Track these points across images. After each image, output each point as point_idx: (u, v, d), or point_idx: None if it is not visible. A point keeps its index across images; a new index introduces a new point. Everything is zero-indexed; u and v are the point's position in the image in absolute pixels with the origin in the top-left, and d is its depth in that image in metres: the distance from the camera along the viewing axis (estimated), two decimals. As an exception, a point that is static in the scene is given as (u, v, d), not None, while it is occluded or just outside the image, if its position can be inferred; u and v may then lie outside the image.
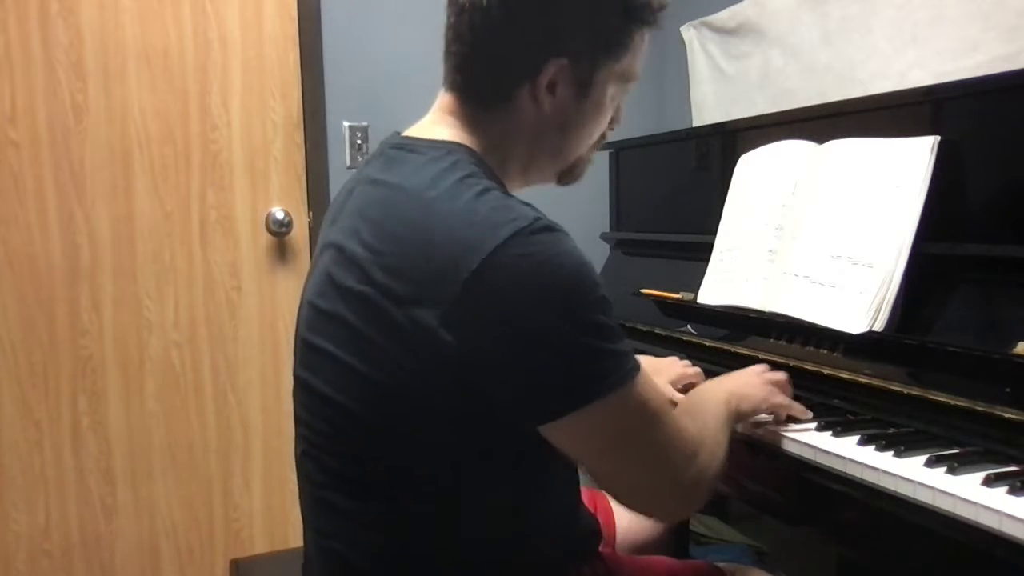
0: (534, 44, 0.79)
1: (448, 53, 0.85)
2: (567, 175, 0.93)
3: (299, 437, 0.88)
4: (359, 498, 0.80)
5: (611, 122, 0.91)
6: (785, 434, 0.99)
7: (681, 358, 1.26)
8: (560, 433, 0.74)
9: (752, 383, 1.00)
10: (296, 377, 0.88)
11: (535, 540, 0.86)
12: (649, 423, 0.76)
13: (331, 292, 0.80)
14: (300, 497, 0.92)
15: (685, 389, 1.15)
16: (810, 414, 1.01)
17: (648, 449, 0.76)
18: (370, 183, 0.84)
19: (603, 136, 0.92)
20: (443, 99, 0.87)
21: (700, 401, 0.93)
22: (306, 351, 0.84)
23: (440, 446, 0.77)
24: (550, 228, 0.72)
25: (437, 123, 0.86)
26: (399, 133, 0.88)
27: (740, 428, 1.00)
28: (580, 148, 0.90)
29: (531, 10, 0.78)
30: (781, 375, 1.04)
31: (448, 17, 0.83)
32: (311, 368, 0.83)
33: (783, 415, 1.01)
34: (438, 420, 0.75)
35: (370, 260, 0.75)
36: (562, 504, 0.90)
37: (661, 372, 1.18)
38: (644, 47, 0.86)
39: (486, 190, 0.74)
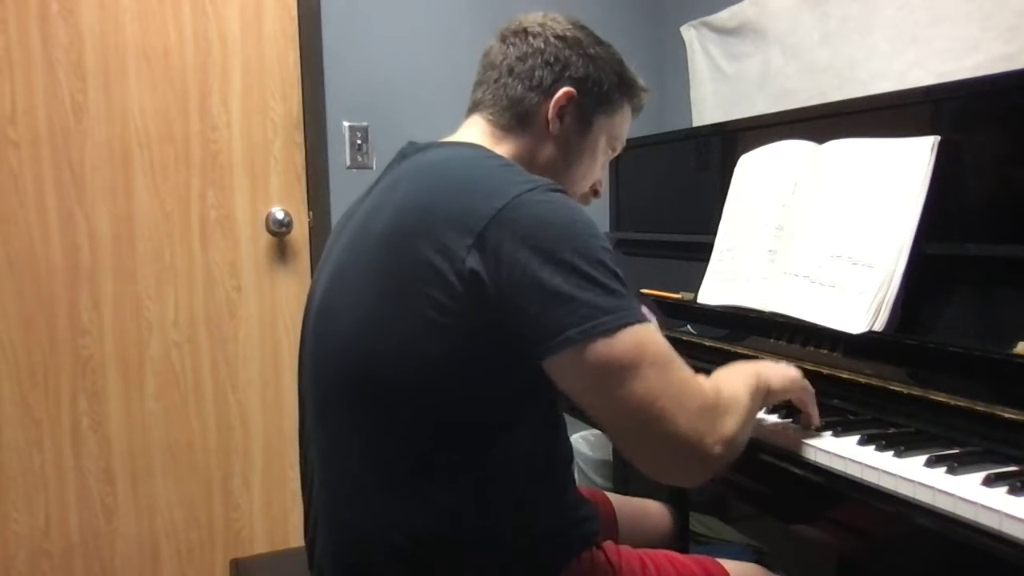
0: (552, 68, 0.95)
1: (479, 83, 1.00)
2: None
3: (308, 408, 0.94)
4: (372, 459, 0.84)
5: (596, 184, 1.05)
6: (785, 433, 0.99)
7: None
8: (567, 367, 0.76)
9: (781, 366, 0.98)
10: (306, 349, 0.94)
11: (536, 516, 0.88)
12: (654, 366, 0.76)
13: (353, 256, 0.86)
14: (304, 477, 0.96)
15: None
16: (818, 424, 0.98)
17: (651, 393, 0.75)
18: (394, 170, 0.93)
19: (589, 196, 1.06)
20: (469, 120, 0.99)
21: (728, 369, 0.92)
22: (320, 319, 0.90)
23: (453, 397, 0.80)
24: (567, 192, 0.83)
25: (462, 135, 0.97)
26: (414, 143, 0.97)
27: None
28: (575, 187, 1.01)
29: (550, 44, 0.95)
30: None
31: (483, 58, 1.00)
32: (327, 333, 0.88)
33: (806, 410, 0.98)
34: (455, 358, 0.78)
35: (401, 208, 0.83)
36: (560, 484, 0.93)
37: None
38: (628, 122, 1.05)
39: (510, 165, 0.87)
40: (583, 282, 0.75)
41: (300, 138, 2.05)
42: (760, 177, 1.35)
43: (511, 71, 0.96)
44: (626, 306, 0.77)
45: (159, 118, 1.91)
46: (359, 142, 2.08)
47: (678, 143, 1.76)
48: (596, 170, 1.03)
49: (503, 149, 0.95)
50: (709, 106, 2.17)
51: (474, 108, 0.99)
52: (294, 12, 2.00)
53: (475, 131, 0.97)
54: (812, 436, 0.97)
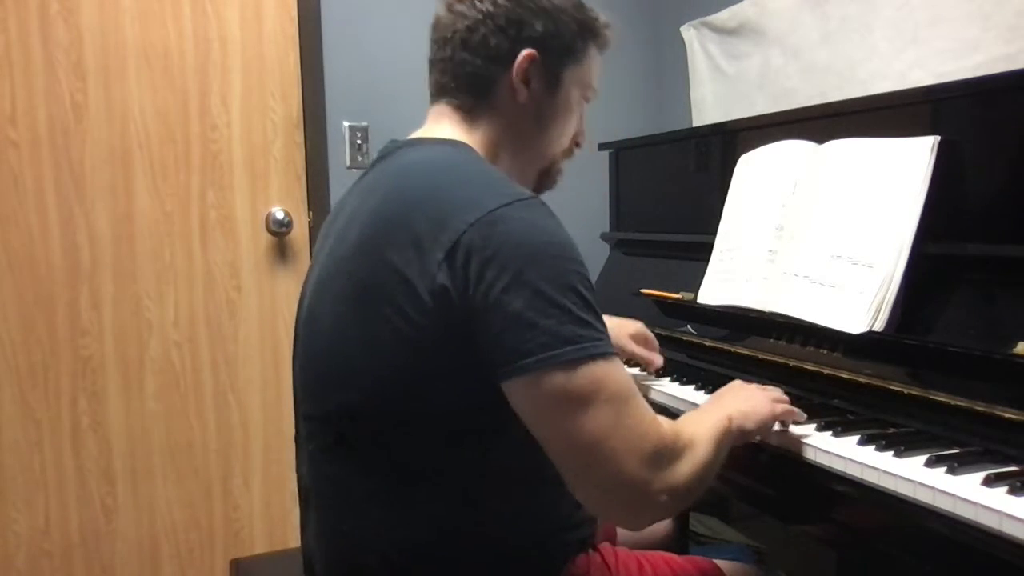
0: (506, 34, 0.89)
1: (434, 62, 0.94)
2: (543, 180, 1.01)
3: (299, 413, 0.93)
4: (358, 467, 0.83)
5: (577, 136, 1.01)
6: (785, 433, 0.99)
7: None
8: (521, 394, 0.74)
9: (755, 399, 0.96)
10: (296, 354, 0.92)
11: (530, 520, 0.87)
12: (609, 404, 0.73)
13: (334, 263, 0.84)
14: (299, 481, 0.95)
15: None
16: (804, 416, 0.99)
17: (602, 432, 0.73)
18: (374, 171, 0.90)
19: (572, 148, 1.01)
20: (434, 109, 0.95)
21: (699, 413, 0.91)
22: (307, 325, 0.89)
23: (432, 407, 0.79)
24: (548, 207, 0.79)
25: (434, 128, 0.93)
26: (395, 141, 0.94)
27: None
28: (554, 146, 0.98)
29: (499, 5, 0.89)
30: (780, 392, 1.01)
31: (432, 32, 0.94)
32: (312, 339, 0.87)
33: (787, 422, 0.99)
34: (428, 370, 0.77)
35: (375, 214, 0.81)
36: (555, 489, 0.90)
37: (622, 326, 1.26)
38: (599, 65, 0.98)
39: (489, 171, 0.83)
40: (548, 308, 0.72)
41: (300, 138, 2.05)
42: (760, 177, 1.35)
43: (464, 44, 0.89)
44: (590, 337, 0.73)
45: (159, 118, 1.91)
46: (359, 142, 2.08)
47: (678, 143, 1.76)
48: (573, 124, 0.98)
49: (477, 136, 0.91)
50: (709, 106, 2.17)
51: (438, 94, 0.94)
52: (294, 12, 2.00)
53: (445, 123, 0.92)
54: (812, 436, 0.97)
